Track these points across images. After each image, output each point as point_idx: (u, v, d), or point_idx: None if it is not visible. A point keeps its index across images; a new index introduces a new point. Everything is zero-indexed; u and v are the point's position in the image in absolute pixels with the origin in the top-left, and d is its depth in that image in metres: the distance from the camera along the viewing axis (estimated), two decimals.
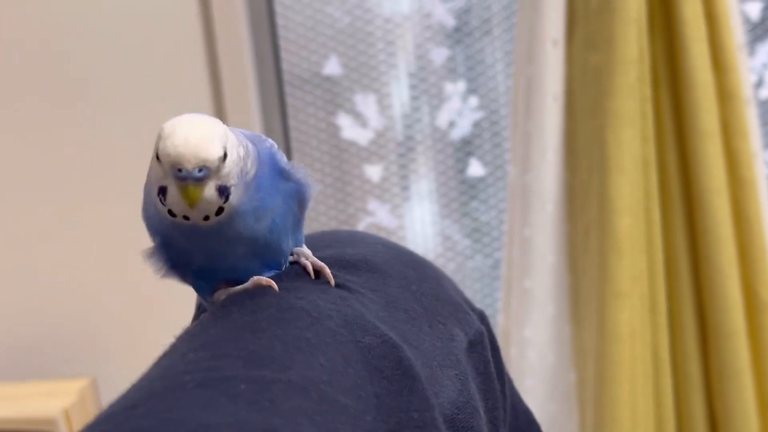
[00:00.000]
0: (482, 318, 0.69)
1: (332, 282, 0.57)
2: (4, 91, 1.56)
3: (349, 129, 1.74)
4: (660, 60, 1.37)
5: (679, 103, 1.36)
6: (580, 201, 1.42)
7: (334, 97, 1.74)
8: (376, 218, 1.78)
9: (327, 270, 0.58)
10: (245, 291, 0.55)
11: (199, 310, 0.64)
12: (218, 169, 0.49)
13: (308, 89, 1.74)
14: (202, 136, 0.49)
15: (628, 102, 1.33)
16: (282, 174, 0.55)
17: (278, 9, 1.69)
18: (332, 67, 1.72)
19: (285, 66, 1.72)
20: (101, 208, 1.57)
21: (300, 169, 0.57)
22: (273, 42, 1.68)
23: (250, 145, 0.53)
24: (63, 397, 1.40)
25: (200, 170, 0.48)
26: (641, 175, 1.35)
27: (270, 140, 0.57)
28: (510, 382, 0.72)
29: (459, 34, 1.73)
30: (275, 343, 0.47)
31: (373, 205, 1.78)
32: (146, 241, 0.57)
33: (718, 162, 1.33)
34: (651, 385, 1.38)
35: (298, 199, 0.57)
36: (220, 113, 1.55)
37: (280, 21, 1.70)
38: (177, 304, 1.60)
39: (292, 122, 1.74)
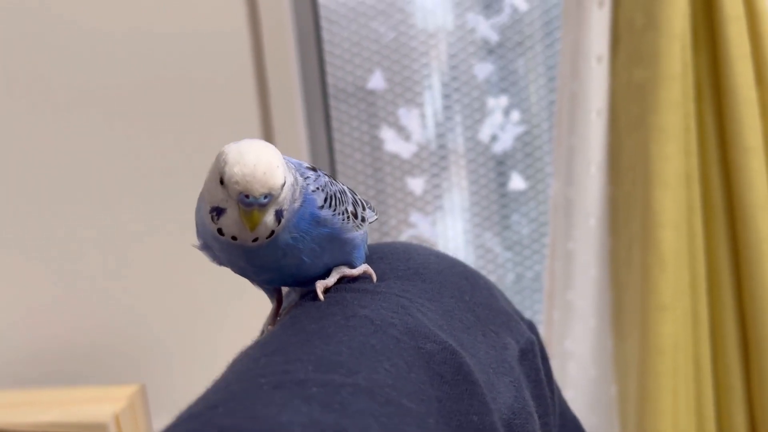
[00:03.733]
0: (531, 328, 0.71)
1: (374, 278, 0.60)
2: (66, 110, 1.60)
3: (392, 142, 1.76)
4: (703, 75, 1.37)
5: (722, 119, 1.36)
6: (623, 215, 1.43)
7: (378, 110, 1.76)
8: (417, 230, 1.79)
9: (370, 269, 0.61)
10: (312, 301, 0.57)
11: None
12: (278, 195, 0.52)
13: (352, 103, 1.76)
14: (268, 163, 0.51)
15: (672, 117, 1.33)
16: (319, 221, 0.57)
17: (324, 24, 1.72)
18: (376, 81, 1.74)
19: (330, 80, 1.74)
20: (150, 217, 1.60)
21: (338, 220, 0.58)
22: (319, 57, 1.71)
23: (299, 177, 0.56)
24: (113, 402, 1.41)
25: (266, 197, 0.51)
26: (684, 190, 1.35)
27: (322, 178, 0.58)
28: (558, 390, 0.74)
29: (502, 50, 1.75)
30: (342, 349, 0.49)
31: (415, 217, 1.79)
32: (195, 250, 0.60)
33: (761, 177, 1.33)
34: (693, 397, 1.38)
35: (339, 242, 0.59)
36: (267, 126, 1.58)
37: (325, 36, 1.72)
38: (225, 314, 1.63)
39: (336, 135, 1.76)
